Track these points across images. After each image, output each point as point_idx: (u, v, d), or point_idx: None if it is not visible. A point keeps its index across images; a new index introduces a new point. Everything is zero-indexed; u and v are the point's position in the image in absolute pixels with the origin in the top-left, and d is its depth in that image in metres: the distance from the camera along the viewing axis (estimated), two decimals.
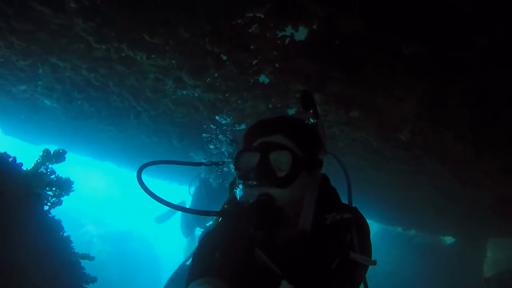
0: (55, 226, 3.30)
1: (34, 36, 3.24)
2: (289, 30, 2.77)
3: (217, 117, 4.13)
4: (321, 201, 1.22)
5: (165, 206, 1.27)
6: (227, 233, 1.24)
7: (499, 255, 11.30)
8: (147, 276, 13.32)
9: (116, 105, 4.62)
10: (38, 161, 3.19)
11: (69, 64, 3.71)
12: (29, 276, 2.54)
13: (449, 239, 11.52)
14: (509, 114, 3.02)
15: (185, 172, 8.45)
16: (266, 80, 3.42)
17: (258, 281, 1.16)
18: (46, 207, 3.27)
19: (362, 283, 1.30)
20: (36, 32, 3.18)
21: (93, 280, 3.52)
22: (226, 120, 4.07)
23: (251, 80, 3.38)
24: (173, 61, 3.19)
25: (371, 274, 1.29)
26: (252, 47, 2.93)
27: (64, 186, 3.24)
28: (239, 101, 3.71)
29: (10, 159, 3.26)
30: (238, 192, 1.41)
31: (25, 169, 3.19)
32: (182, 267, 3.85)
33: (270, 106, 3.85)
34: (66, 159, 3.48)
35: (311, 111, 1.33)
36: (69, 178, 3.35)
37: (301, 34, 2.84)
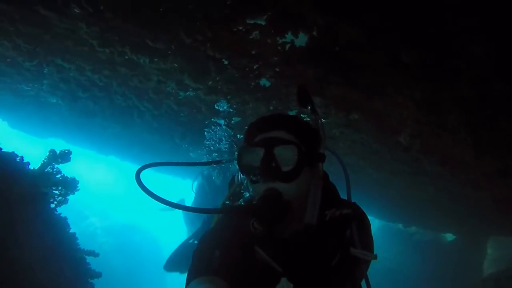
0: (61, 224, 3.40)
1: (40, 39, 3.30)
2: (289, 37, 2.80)
3: (215, 106, 4.02)
4: (321, 197, 1.20)
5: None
6: (227, 231, 1.25)
7: (499, 252, 11.35)
8: (150, 268, 13.55)
9: (120, 104, 4.69)
10: (45, 161, 3.28)
11: (73, 65, 3.78)
12: (35, 274, 2.64)
13: (450, 236, 11.57)
14: (507, 118, 3.05)
15: (188, 167, 8.54)
16: (267, 84, 3.47)
17: (258, 279, 1.16)
18: (52, 205, 3.37)
19: (364, 279, 1.28)
20: (42, 35, 3.24)
21: (98, 275, 3.64)
22: (223, 107, 3.98)
23: (252, 84, 3.43)
24: (175, 65, 3.24)
25: (371, 270, 1.29)
26: (253, 52, 2.97)
27: (69, 185, 3.34)
28: (240, 103, 3.76)
29: (18, 158, 3.35)
30: (240, 188, 1.43)
31: (32, 168, 3.29)
32: (185, 245, 3.87)
33: (271, 108, 3.90)
34: (71, 152, 3.56)
35: (308, 107, 1.32)
36: (74, 178, 3.45)
37: (301, 40, 2.87)
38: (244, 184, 1.35)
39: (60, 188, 3.28)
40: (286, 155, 1.15)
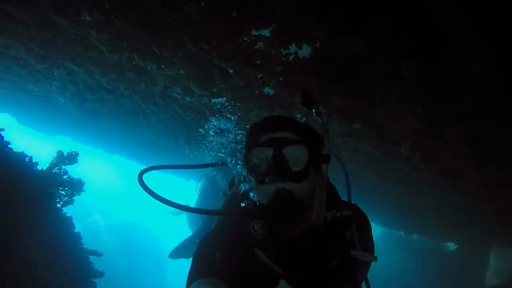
0: (67, 224, 3.50)
1: (51, 43, 3.41)
2: (293, 48, 2.87)
3: (213, 100, 3.97)
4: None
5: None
6: (227, 233, 1.24)
7: (502, 263, 11.25)
8: (151, 267, 13.66)
9: (126, 107, 4.79)
10: (53, 162, 3.38)
11: (83, 68, 3.88)
12: (39, 272, 2.73)
13: (452, 245, 11.50)
14: (507, 133, 3.08)
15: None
16: (271, 92, 3.53)
17: (258, 281, 1.16)
18: (58, 205, 3.46)
19: (364, 282, 1.27)
20: (53, 40, 3.34)
21: (100, 274, 3.72)
22: (222, 100, 3.89)
23: (256, 92, 3.49)
24: (181, 72, 3.32)
25: (372, 277, 1.29)
26: (257, 62, 3.04)
27: (76, 186, 3.43)
28: (244, 110, 3.83)
29: (27, 158, 3.46)
30: (245, 188, 1.37)
31: (40, 168, 3.38)
32: (189, 239, 3.89)
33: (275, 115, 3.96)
34: (75, 148, 3.63)
35: (313, 110, 1.31)
36: (80, 179, 3.54)
37: (305, 51, 2.93)
38: (249, 184, 1.30)
39: (66, 188, 3.37)
40: (296, 155, 1.15)
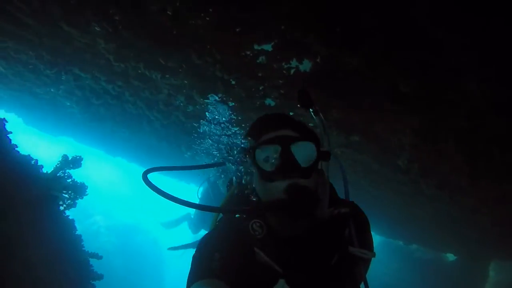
0: (69, 226, 3.58)
1: (61, 51, 3.52)
2: (294, 63, 2.96)
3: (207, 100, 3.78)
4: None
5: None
6: (226, 233, 1.23)
7: (502, 276, 11.20)
8: (149, 269, 13.67)
9: (131, 112, 4.89)
10: (57, 165, 3.47)
11: (89, 75, 3.99)
12: (40, 273, 2.80)
13: (451, 256, 11.47)
14: (501, 150, 3.15)
15: (193, 171, 8.72)
16: (272, 103, 3.62)
17: (258, 280, 1.16)
18: (61, 208, 3.55)
19: (363, 282, 1.27)
20: (63, 48, 3.45)
21: (100, 277, 3.79)
22: (215, 97, 3.63)
23: (258, 103, 3.58)
24: (185, 81, 3.42)
25: (370, 286, 1.28)
26: (259, 74, 3.13)
27: (79, 190, 3.52)
28: (246, 120, 3.91)
29: (33, 161, 3.55)
30: (241, 189, 1.37)
31: (45, 172, 3.47)
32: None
33: None
34: (78, 149, 3.70)
35: (310, 110, 1.32)
36: (83, 183, 3.63)
37: (306, 66, 3.02)
38: (251, 184, 1.28)
39: (70, 192, 3.46)
40: (304, 152, 1.15)
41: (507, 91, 2.44)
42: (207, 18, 2.60)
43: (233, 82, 3.26)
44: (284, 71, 3.07)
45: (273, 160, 1.14)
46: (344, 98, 3.22)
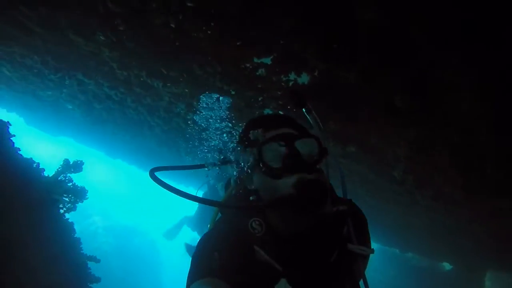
0: (68, 229, 3.64)
1: (66, 57, 3.61)
2: (292, 76, 3.04)
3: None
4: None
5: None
6: (225, 232, 1.23)
7: (498, 285, 11.22)
8: (147, 271, 13.69)
9: (132, 117, 4.97)
10: (59, 169, 3.54)
11: (93, 81, 4.07)
12: (39, 277, 2.86)
13: (447, 265, 11.49)
14: (492, 165, 3.22)
15: (191, 175, 8.77)
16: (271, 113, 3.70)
17: (258, 279, 1.16)
18: (61, 211, 3.61)
19: (362, 279, 1.27)
20: (68, 54, 3.54)
21: (97, 280, 3.85)
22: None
23: (257, 112, 3.66)
24: (186, 90, 3.50)
25: None
26: (259, 86, 3.22)
27: (79, 194, 3.58)
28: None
29: (35, 164, 3.62)
30: (239, 189, 1.34)
31: (46, 175, 3.54)
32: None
33: None
34: (78, 149, 3.75)
35: (303, 110, 1.33)
36: (84, 187, 3.70)
37: (304, 78, 3.10)
38: (251, 184, 1.27)
39: (70, 195, 3.53)
40: (308, 148, 1.17)
41: (498, 111, 2.52)
42: (209, 32, 2.69)
43: (233, 92, 3.34)
44: (283, 83, 3.15)
45: (279, 157, 1.15)
46: (341, 110, 3.30)
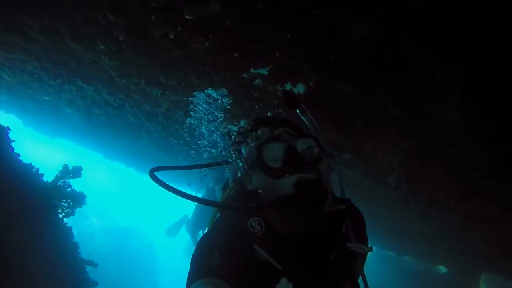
0: (67, 234, 3.69)
1: (66, 64, 3.66)
2: (288, 86, 3.10)
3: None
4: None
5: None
6: (225, 232, 1.23)
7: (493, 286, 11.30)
8: (144, 273, 13.70)
9: (131, 122, 5.02)
10: (58, 175, 3.59)
11: (92, 87, 4.12)
12: (37, 281, 2.90)
13: (443, 268, 11.57)
14: (483, 176, 3.30)
15: (190, 177, 8.83)
16: None
17: (258, 278, 1.16)
18: (60, 216, 3.66)
19: (361, 276, 1.28)
20: (68, 62, 3.59)
21: (95, 284, 3.89)
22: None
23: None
24: (184, 98, 3.56)
25: None
26: (255, 95, 3.28)
27: (78, 199, 3.63)
28: None
29: (34, 170, 3.67)
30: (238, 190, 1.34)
31: (46, 180, 3.59)
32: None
33: None
34: (76, 151, 3.81)
35: (297, 110, 1.34)
36: (82, 192, 3.75)
37: (299, 89, 3.17)
38: (250, 184, 1.26)
39: (69, 201, 3.58)
40: (308, 147, 1.17)
41: (487, 124, 2.59)
42: (207, 43, 2.75)
43: (230, 101, 3.39)
44: (279, 93, 3.22)
45: (279, 157, 1.15)
46: (336, 120, 3.36)
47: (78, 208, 4.14)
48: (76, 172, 3.71)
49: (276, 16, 2.34)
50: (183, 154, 5.34)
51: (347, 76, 2.79)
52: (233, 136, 1.48)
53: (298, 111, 1.38)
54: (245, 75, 3.02)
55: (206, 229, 1.44)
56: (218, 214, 1.42)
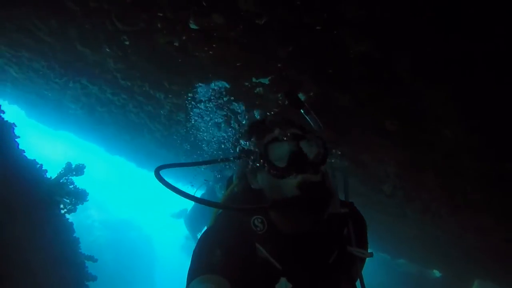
0: (68, 229, 3.79)
1: (72, 65, 3.74)
2: None
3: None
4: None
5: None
6: (227, 229, 1.22)
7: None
8: (141, 266, 13.85)
9: (133, 121, 5.10)
10: (61, 172, 3.68)
11: (96, 86, 4.20)
12: (39, 278, 3.00)
13: (437, 272, 11.68)
14: (473, 188, 3.38)
15: (189, 174, 8.91)
16: None
17: (258, 276, 1.16)
18: (62, 211, 3.76)
19: (359, 279, 1.28)
20: (74, 62, 3.67)
21: (94, 278, 4.00)
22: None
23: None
24: (186, 102, 3.64)
25: None
26: (256, 102, 3.36)
27: (80, 196, 3.73)
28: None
29: (38, 165, 3.76)
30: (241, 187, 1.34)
31: (49, 177, 3.69)
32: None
33: None
34: (77, 143, 3.88)
35: (302, 111, 1.35)
36: (85, 190, 3.84)
37: (300, 97, 3.25)
38: (255, 182, 1.25)
39: (71, 198, 3.68)
40: (314, 149, 1.17)
41: (479, 139, 2.67)
42: (210, 52, 2.82)
43: (231, 107, 3.48)
44: (279, 101, 3.30)
45: (284, 157, 1.14)
46: (334, 130, 3.44)
47: (75, 178, 4.09)
48: (79, 169, 3.80)
49: (279, 30, 2.41)
50: (184, 154, 5.41)
51: (345, 89, 2.87)
52: (240, 134, 1.47)
53: (303, 111, 1.39)
54: (247, 84, 3.10)
55: (208, 223, 1.43)
56: (221, 210, 1.41)
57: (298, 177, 1.12)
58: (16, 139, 3.74)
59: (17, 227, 3.16)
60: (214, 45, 2.75)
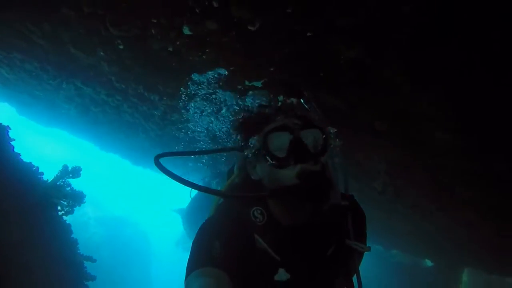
0: (66, 231, 3.84)
1: (65, 67, 3.74)
2: (281, 98, 3.23)
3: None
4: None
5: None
6: (227, 220, 1.22)
7: (474, 277, 11.77)
8: (137, 263, 13.93)
9: (128, 120, 5.12)
10: (58, 175, 3.71)
11: (90, 88, 4.21)
12: (38, 279, 3.06)
13: (429, 262, 11.98)
14: (460, 187, 3.50)
15: (186, 171, 8.96)
16: None
17: (257, 268, 1.17)
18: (60, 213, 3.80)
19: (355, 274, 1.28)
20: (68, 65, 3.67)
21: (93, 278, 4.07)
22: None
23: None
24: (180, 104, 3.67)
25: None
26: None
27: (77, 198, 3.77)
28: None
29: (34, 168, 3.78)
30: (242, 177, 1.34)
31: (46, 180, 3.72)
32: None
33: None
34: (71, 141, 3.91)
35: (301, 100, 1.36)
36: (82, 192, 3.88)
37: (292, 100, 3.30)
38: (255, 172, 1.24)
39: (68, 200, 3.71)
40: (314, 138, 1.17)
41: (467, 140, 2.77)
42: (204, 57, 2.86)
43: (224, 109, 3.53)
44: (272, 103, 3.35)
45: (284, 147, 1.14)
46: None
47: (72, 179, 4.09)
48: (75, 172, 3.83)
49: (271, 36, 2.46)
50: (180, 148, 5.44)
51: (336, 91, 2.94)
52: (238, 123, 1.45)
53: (302, 101, 1.42)
54: (240, 87, 3.14)
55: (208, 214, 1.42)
56: (221, 200, 1.43)
57: (297, 167, 1.12)
58: (11, 142, 3.75)
59: (13, 229, 3.20)
60: (207, 50, 2.79)
